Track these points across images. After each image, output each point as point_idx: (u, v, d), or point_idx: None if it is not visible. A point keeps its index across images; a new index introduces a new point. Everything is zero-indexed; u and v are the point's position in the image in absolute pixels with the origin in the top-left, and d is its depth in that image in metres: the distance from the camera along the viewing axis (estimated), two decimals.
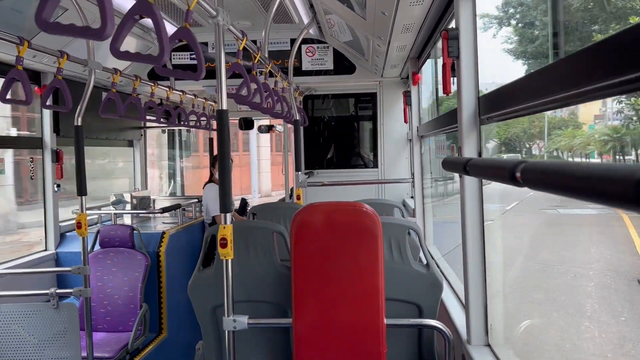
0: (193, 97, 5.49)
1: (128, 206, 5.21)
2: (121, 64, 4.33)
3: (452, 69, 2.12)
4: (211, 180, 5.38)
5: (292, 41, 5.16)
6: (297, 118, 4.34)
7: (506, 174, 1.05)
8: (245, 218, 5.52)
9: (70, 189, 4.43)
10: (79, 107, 3.38)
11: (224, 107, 2.20)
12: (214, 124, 5.97)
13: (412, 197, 5.37)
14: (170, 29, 4.30)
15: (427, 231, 4.45)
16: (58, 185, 4.32)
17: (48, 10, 1.37)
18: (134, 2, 1.58)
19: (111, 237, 4.30)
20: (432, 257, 2.50)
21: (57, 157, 4.27)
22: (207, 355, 2.66)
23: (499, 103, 1.81)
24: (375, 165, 5.88)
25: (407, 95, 4.78)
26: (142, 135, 6.03)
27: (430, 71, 4.70)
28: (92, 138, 4.95)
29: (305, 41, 5.25)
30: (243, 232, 2.56)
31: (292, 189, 5.23)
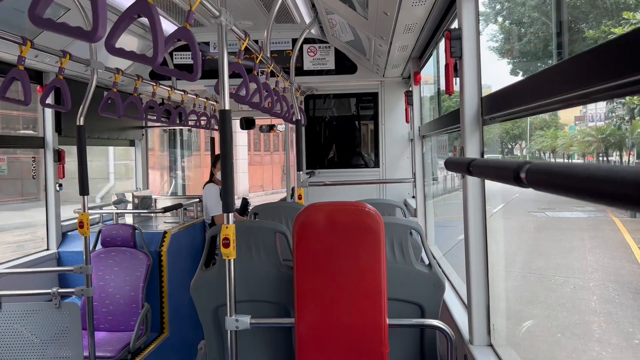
0: (194, 96, 5.50)
1: (130, 206, 5.22)
2: (123, 64, 4.34)
3: (454, 69, 2.12)
4: (211, 180, 5.38)
5: (294, 41, 5.16)
6: (299, 118, 4.35)
7: (510, 174, 1.05)
8: (245, 218, 5.52)
9: (65, 191, 4.42)
10: (81, 106, 3.39)
11: (227, 107, 2.20)
12: (215, 123, 5.98)
13: (413, 197, 5.37)
14: (173, 28, 4.30)
15: (428, 231, 4.45)
16: (60, 185, 4.32)
17: (42, 5, 1.37)
18: (133, 1, 1.58)
19: (113, 236, 4.30)
20: (434, 257, 2.50)
21: (58, 156, 4.28)
22: (209, 355, 2.66)
23: (502, 103, 1.82)
24: (377, 165, 5.88)
25: (408, 95, 4.78)
26: (143, 134, 6.03)
27: (432, 71, 4.70)
28: (94, 138, 4.96)
29: (306, 41, 5.25)
30: (245, 232, 2.56)
31: (293, 189, 5.23)
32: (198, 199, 5.68)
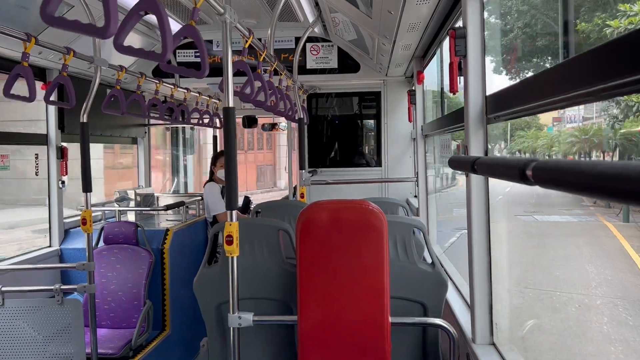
0: (197, 94, 5.50)
1: (132, 203, 5.22)
2: (127, 61, 4.34)
3: (458, 67, 2.12)
4: (212, 178, 5.38)
5: (297, 39, 5.16)
6: (301, 116, 4.35)
7: (516, 172, 1.05)
8: (247, 216, 5.52)
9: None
10: (84, 104, 3.39)
11: (231, 105, 2.20)
12: (218, 121, 5.99)
13: (415, 196, 5.37)
14: (175, 26, 4.30)
15: (431, 230, 4.45)
16: (63, 182, 4.33)
17: (53, 4, 1.37)
18: None
19: (115, 233, 4.31)
20: (436, 256, 2.50)
21: (61, 153, 4.29)
22: (211, 352, 2.67)
23: (506, 102, 1.82)
24: (379, 164, 5.88)
25: (411, 94, 4.78)
26: (146, 132, 6.04)
27: (435, 70, 4.70)
28: (97, 135, 4.96)
29: (309, 39, 5.25)
30: (249, 229, 2.56)
31: (295, 187, 5.23)
32: (200, 197, 5.68)
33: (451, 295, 2.72)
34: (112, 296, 4.22)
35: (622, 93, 1.08)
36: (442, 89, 4.55)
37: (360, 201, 2.26)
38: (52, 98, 3.24)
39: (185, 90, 5.04)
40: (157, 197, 5.81)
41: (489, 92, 2.01)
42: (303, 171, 4.44)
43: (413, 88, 4.76)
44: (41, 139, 4.27)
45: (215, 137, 6.71)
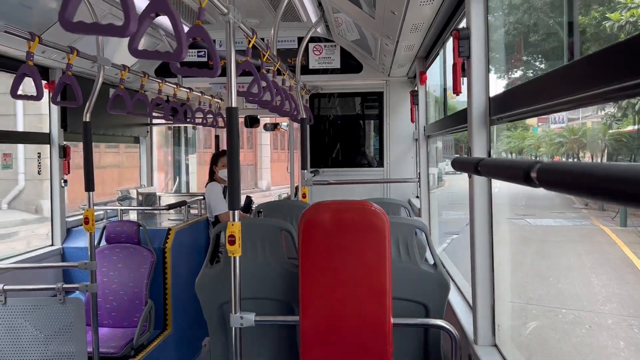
0: (200, 94, 5.50)
1: (134, 202, 5.23)
2: (130, 61, 4.34)
3: (462, 68, 2.12)
4: (213, 179, 5.37)
5: (300, 39, 5.16)
6: (304, 116, 4.35)
7: (521, 174, 1.04)
8: (248, 216, 5.52)
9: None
10: (87, 103, 3.40)
11: (234, 105, 2.20)
12: (220, 121, 5.99)
13: (417, 196, 5.37)
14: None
15: (433, 231, 4.45)
16: (65, 181, 4.34)
17: (70, 9, 1.38)
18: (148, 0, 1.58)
19: (117, 233, 4.31)
20: (439, 257, 2.50)
21: (64, 152, 4.29)
22: (213, 352, 2.67)
23: (510, 104, 1.81)
24: (381, 165, 5.88)
25: (414, 95, 4.78)
26: (148, 132, 6.04)
27: (438, 70, 4.69)
28: (99, 134, 4.97)
29: (312, 39, 5.25)
30: (251, 229, 2.56)
31: (297, 187, 5.23)
32: (202, 197, 5.69)
33: (453, 296, 2.72)
34: (113, 295, 4.22)
35: (627, 96, 1.08)
36: (444, 89, 4.55)
37: (363, 202, 2.26)
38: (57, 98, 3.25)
39: (188, 90, 5.04)
40: (159, 197, 5.82)
41: (492, 93, 2.00)
42: (305, 171, 4.44)
43: (416, 89, 4.75)
44: (44, 138, 4.28)
45: (217, 137, 6.71)
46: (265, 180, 24.36)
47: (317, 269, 2.22)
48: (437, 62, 4.41)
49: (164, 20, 1.63)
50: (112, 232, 4.32)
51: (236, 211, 2.22)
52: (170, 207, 5.00)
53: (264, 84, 3.05)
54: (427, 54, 4.20)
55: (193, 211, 5.57)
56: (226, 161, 2.32)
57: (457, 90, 2.17)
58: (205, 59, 5.29)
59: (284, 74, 3.88)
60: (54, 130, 4.27)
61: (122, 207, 5.04)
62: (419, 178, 4.80)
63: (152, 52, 1.65)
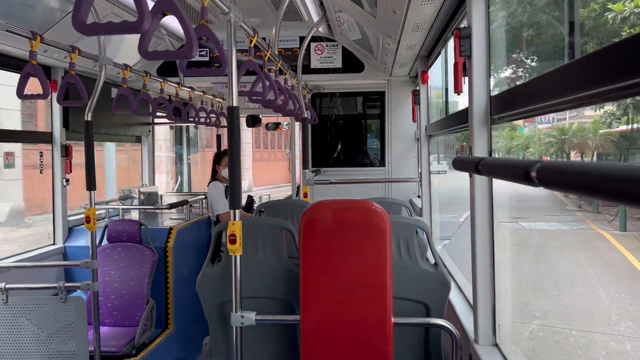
0: (202, 93, 5.51)
1: (136, 201, 5.23)
2: (131, 60, 4.35)
3: (463, 68, 2.12)
4: (215, 178, 5.38)
5: (301, 39, 5.16)
6: (306, 116, 4.35)
7: (520, 173, 1.04)
8: (250, 215, 5.52)
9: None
10: (89, 102, 3.41)
11: (235, 104, 2.20)
12: (223, 120, 5.99)
13: (419, 196, 5.36)
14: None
15: (434, 230, 4.44)
16: (67, 180, 4.34)
17: (83, 11, 1.38)
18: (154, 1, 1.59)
19: (119, 232, 4.32)
20: (439, 257, 2.50)
21: (66, 151, 4.30)
22: (214, 351, 2.67)
23: (511, 103, 1.81)
24: (383, 164, 5.88)
25: (415, 95, 4.78)
26: (150, 131, 6.05)
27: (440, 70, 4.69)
28: (101, 134, 4.98)
29: (314, 39, 5.26)
30: (252, 228, 2.56)
31: (298, 187, 5.23)
32: (204, 196, 5.69)
33: (454, 296, 2.72)
34: (115, 294, 4.23)
35: (629, 95, 1.07)
36: (446, 89, 4.55)
37: (363, 201, 2.26)
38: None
39: (190, 90, 5.05)
40: (161, 196, 5.82)
41: (493, 92, 2.00)
42: (306, 170, 4.44)
43: (417, 88, 4.75)
44: (46, 137, 4.28)
45: (218, 137, 6.72)
46: (247, 181, 23.20)
47: (317, 268, 2.22)
48: (439, 62, 4.41)
49: (165, 19, 1.63)
50: (114, 231, 4.33)
51: (237, 210, 2.22)
52: (171, 206, 5.00)
53: (267, 83, 3.05)
54: (429, 54, 4.20)
55: (195, 210, 5.58)
56: None
57: (458, 90, 2.17)
58: (207, 59, 5.29)
59: (285, 74, 3.88)
60: (56, 129, 4.28)
61: (124, 206, 5.05)
62: (421, 178, 4.80)
63: (162, 52, 1.67)
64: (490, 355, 1.98)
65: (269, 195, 7.31)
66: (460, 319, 2.44)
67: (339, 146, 6.10)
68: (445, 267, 2.66)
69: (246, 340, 2.38)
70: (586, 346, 5.94)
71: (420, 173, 4.84)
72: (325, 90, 5.96)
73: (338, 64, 5.35)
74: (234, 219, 2.19)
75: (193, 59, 5.28)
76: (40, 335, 3.07)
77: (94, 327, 3.50)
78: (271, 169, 28.78)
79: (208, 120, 5.51)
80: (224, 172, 5.19)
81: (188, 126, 7.43)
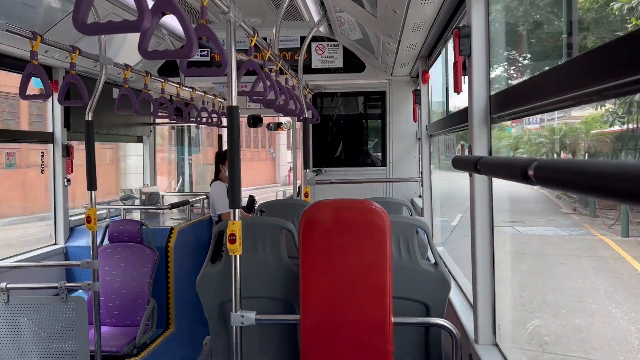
0: (203, 93, 5.51)
1: (137, 201, 5.24)
2: (132, 60, 4.35)
3: (463, 67, 2.11)
4: (218, 177, 5.39)
5: (302, 39, 5.16)
6: (307, 115, 4.35)
7: (518, 172, 1.04)
8: (252, 215, 5.53)
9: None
10: (90, 102, 3.41)
11: (234, 104, 2.20)
12: (224, 120, 6.00)
13: (420, 196, 5.36)
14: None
15: (435, 230, 4.44)
16: (68, 180, 4.35)
17: (83, 10, 1.39)
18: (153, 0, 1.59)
19: (120, 232, 4.32)
20: (440, 256, 2.49)
21: (67, 151, 4.31)
22: (214, 351, 2.67)
23: (511, 101, 1.81)
24: (384, 164, 5.87)
25: (416, 94, 4.77)
26: (151, 131, 6.05)
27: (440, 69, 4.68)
28: (102, 134, 4.98)
29: (315, 39, 5.26)
30: (252, 228, 2.56)
31: (299, 187, 5.23)
32: (205, 196, 5.69)
33: (454, 296, 2.71)
34: (116, 294, 4.23)
35: (628, 92, 1.07)
36: (447, 88, 4.54)
37: (363, 201, 2.26)
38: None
39: (191, 90, 5.05)
40: (162, 196, 5.83)
41: (492, 91, 2.00)
42: (307, 170, 4.44)
43: (418, 88, 4.75)
44: (47, 137, 4.29)
45: (219, 136, 6.72)
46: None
47: (317, 268, 2.22)
48: (440, 63, 4.40)
49: (166, 19, 1.64)
50: (115, 231, 4.33)
51: (237, 210, 2.22)
52: (173, 206, 5.01)
53: (267, 83, 3.05)
54: (430, 53, 4.20)
55: (196, 210, 5.58)
56: None
57: (458, 89, 2.17)
58: (207, 59, 5.30)
59: (286, 73, 3.88)
60: (57, 129, 4.28)
61: (125, 206, 5.06)
62: (422, 177, 4.79)
63: (162, 52, 1.67)
64: (490, 355, 1.98)
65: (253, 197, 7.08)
66: (460, 319, 2.44)
67: (340, 146, 6.10)
68: (446, 266, 2.66)
69: (246, 340, 2.38)
70: None
71: (421, 173, 4.83)
72: (326, 90, 5.96)
73: (339, 63, 5.35)
74: (234, 218, 2.19)
75: (194, 59, 5.29)
76: (41, 335, 3.07)
77: (94, 326, 3.50)
78: (254, 170, 28.15)
79: (209, 120, 5.51)
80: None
81: (189, 126, 7.44)
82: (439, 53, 4.00)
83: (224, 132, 6.72)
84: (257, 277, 2.54)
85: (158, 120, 6.03)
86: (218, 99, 6.16)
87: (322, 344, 2.23)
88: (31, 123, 12.84)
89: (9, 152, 4.37)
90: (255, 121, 6.51)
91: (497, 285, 2.05)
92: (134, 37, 1.61)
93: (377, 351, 2.18)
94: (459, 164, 1.83)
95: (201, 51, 5.32)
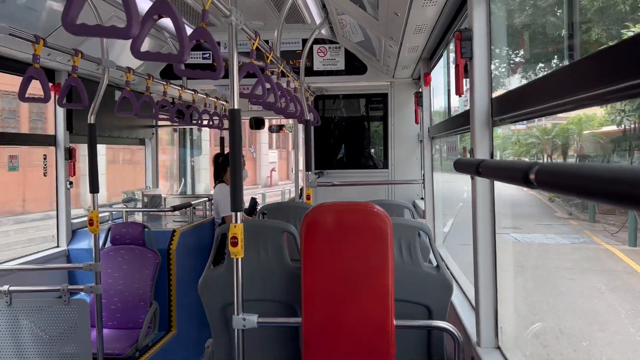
0: (205, 96, 5.52)
1: (139, 204, 5.24)
2: (134, 63, 4.36)
3: (464, 70, 2.11)
4: (222, 180, 5.39)
5: (304, 41, 5.17)
6: (308, 118, 4.35)
7: (520, 175, 1.04)
8: (253, 218, 5.52)
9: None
10: (92, 105, 3.42)
11: (236, 107, 2.21)
12: (226, 122, 6.01)
13: (422, 198, 5.35)
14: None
15: (437, 233, 4.43)
16: (70, 183, 4.36)
17: (73, 11, 1.39)
18: (151, 2, 1.59)
19: (122, 234, 4.32)
20: (442, 259, 2.49)
21: (70, 154, 4.31)
22: (216, 354, 2.67)
23: (513, 104, 1.80)
24: (386, 166, 5.87)
25: (418, 96, 4.77)
26: (153, 133, 6.06)
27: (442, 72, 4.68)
28: (104, 136, 4.99)
29: (317, 41, 5.26)
30: (254, 231, 2.56)
31: (301, 189, 5.23)
32: (207, 198, 5.70)
33: (456, 298, 2.71)
34: (118, 296, 4.24)
35: (631, 96, 1.07)
36: (448, 90, 4.54)
37: (365, 203, 2.26)
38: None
39: (193, 92, 5.06)
40: (164, 198, 5.83)
41: (494, 94, 2.00)
42: (309, 173, 4.44)
43: (420, 90, 4.75)
44: (49, 140, 4.30)
45: (222, 139, 6.73)
46: (204, 183, 21.39)
47: (319, 270, 2.22)
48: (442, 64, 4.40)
49: (168, 22, 1.64)
50: (117, 233, 4.34)
51: (239, 213, 2.22)
52: (175, 208, 5.01)
53: (268, 85, 3.06)
54: (431, 56, 4.20)
55: (198, 213, 5.58)
56: None
57: (459, 92, 2.17)
58: (210, 61, 5.31)
59: (288, 76, 3.88)
60: (59, 132, 4.29)
61: (127, 209, 5.06)
62: (424, 179, 4.79)
63: (154, 54, 1.66)
64: (492, 358, 1.98)
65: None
66: (462, 322, 2.43)
67: (342, 148, 6.10)
68: (448, 269, 2.66)
69: (248, 342, 2.37)
70: None
71: (423, 175, 4.83)
72: (328, 93, 5.96)
73: (341, 66, 5.35)
74: (236, 221, 2.19)
75: (196, 62, 5.30)
76: (43, 338, 3.07)
77: (97, 329, 3.50)
78: None
79: (211, 123, 5.52)
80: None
81: (192, 128, 7.45)
82: (441, 55, 4.00)
83: (226, 134, 6.73)
84: (259, 280, 2.54)
85: (160, 123, 6.04)
86: (220, 101, 6.16)
87: (324, 347, 2.23)
88: (31, 122, 12.93)
89: (11, 155, 4.39)
90: (257, 123, 6.52)
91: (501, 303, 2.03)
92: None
93: (379, 354, 2.17)
94: (461, 166, 1.83)
95: (203, 54, 5.33)
